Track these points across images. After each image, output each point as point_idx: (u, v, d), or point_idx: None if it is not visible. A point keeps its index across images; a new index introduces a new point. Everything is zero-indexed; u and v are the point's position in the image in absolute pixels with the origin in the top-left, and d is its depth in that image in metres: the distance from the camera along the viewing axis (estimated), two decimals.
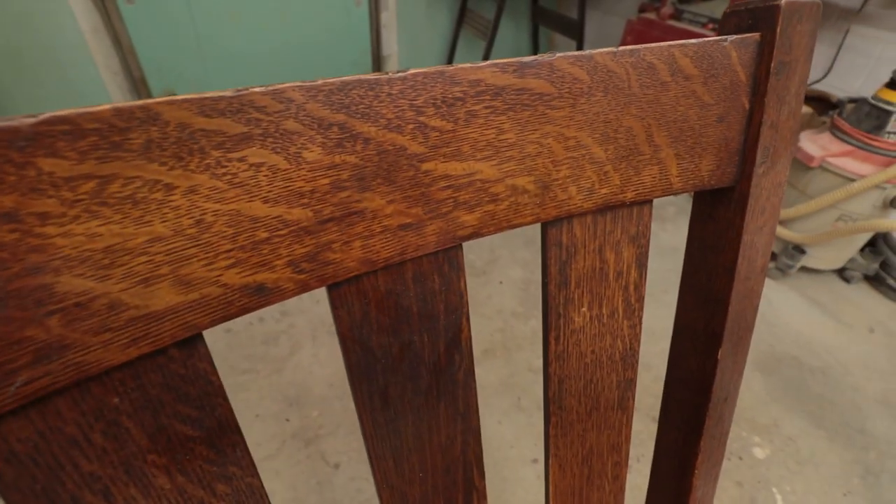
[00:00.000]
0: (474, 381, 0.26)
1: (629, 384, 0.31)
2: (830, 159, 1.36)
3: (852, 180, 1.31)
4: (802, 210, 1.40)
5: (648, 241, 0.27)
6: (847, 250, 1.49)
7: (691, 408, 0.34)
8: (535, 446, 1.02)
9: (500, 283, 1.46)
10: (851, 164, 1.33)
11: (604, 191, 0.24)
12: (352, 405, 0.99)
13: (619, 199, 0.24)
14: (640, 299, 0.29)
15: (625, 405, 0.32)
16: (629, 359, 0.31)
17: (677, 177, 0.25)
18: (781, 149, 0.26)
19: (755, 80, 0.25)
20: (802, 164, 1.43)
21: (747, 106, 0.25)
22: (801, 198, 1.46)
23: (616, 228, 0.26)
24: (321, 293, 1.19)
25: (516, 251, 1.59)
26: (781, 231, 1.50)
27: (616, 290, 0.28)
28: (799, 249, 1.48)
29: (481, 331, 1.28)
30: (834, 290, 1.54)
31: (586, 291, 0.27)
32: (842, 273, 1.58)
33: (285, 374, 1.15)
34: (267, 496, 0.21)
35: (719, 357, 0.31)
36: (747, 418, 1.12)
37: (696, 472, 0.36)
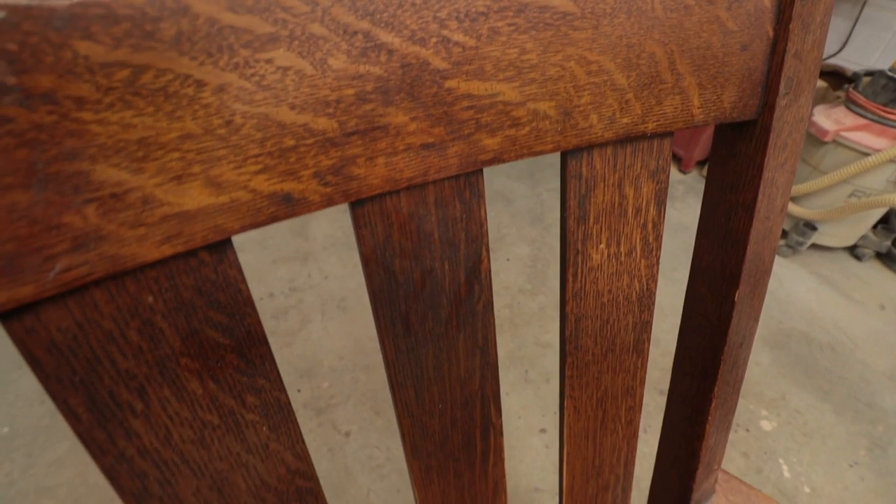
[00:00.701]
0: (493, 314, 0.26)
1: (645, 326, 0.32)
2: (845, 133, 1.34)
3: (867, 154, 1.29)
4: (815, 185, 1.38)
5: (668, 178, 0.27)
6: (859, 227, 1.48)
7: (706, 354, 0.34)
8: (542, 417, 1.03)
9: (508, 260, 1.46)
10: (866, 138, 1.31)
11: (625, 120, 0.24)
12: (362, 377, 1.02)
13: (640, 129, 0.24)
14: (658, 238, 0.29)
15: (640, 348, 0.32)
16: (645, 300, 0.31)
17: (699, 108, 0.25)
18: (805, 81, 0.26)
19: (780, 6, 0.24)
20: (815, 139, 1.41)
21: (771, 34, 0.25)
22: (814, 173, 1.44)
23: (636, 162, 0.26)
24: (330, 269, 1.20)
25: (523, 229, 1.59)
26: (793, 207, 1.48)
27: (634, 228, 0.28)
28: (810, 226, 1.47)
29: None
30: (845, 267, 1.53)
31: (605, 227, 0.27)
32: (853, 250, 1.57)
33: (295, 347, 1.16)
34: (293, 412, 0.21)
35: (736, 299, 0.31)
36: (755, 392, 1.12)
37: (710, 418, 0.36)
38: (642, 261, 0.29)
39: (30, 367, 0.15)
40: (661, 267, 1.54)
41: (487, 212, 0.27)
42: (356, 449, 0.96)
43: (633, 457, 0.38)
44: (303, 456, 0.22)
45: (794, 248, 1.52)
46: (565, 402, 0.32)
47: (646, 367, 0.34)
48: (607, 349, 0.31)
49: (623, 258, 0.28)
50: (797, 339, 1.26)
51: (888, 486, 0.95)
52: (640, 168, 0.26)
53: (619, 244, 0.28)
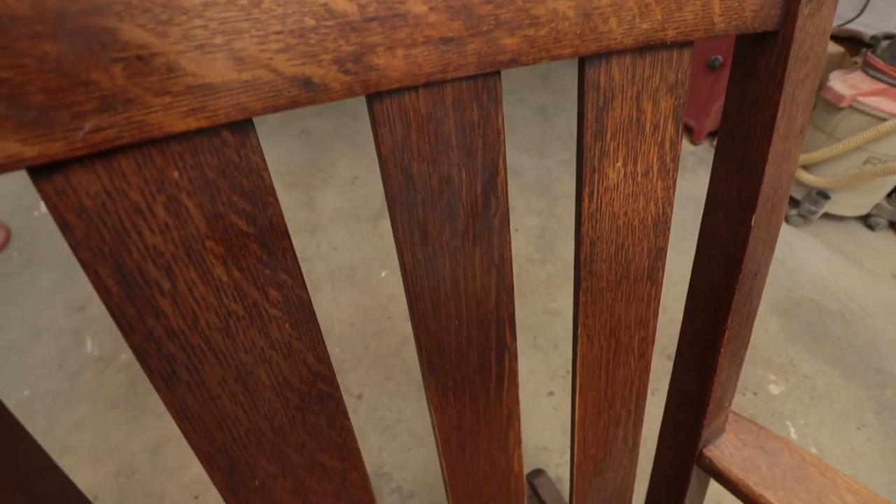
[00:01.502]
0: (509, 232, 0.26)
1: (659, 253, 0.32)
2: (861, 98, 1.31)
3: (883, 120, 1.26)
4: (829, 152, 1.36)
5: (686, 93, 0.27)
6: (873, 195, 1.45)
7: (721, 286, 0.34)
8: (550, 381, 1.04)
9: (516, 230, 1.46)
10: (884, 103, 1.28)
11: (644, 25, 0.23)
12: (372, 343, 1.03)
13: (660, 36, 0.24)
14: (675, 159, 0.28)
15: (654, 276, 0.32)
16: (661, 225, 0.31)
17: (720, 16, 0.25)
18: None
19: None
20: (831, 106, 1.38)
21: None
22: (829, 140, 1.41)
23: (655, 74, 0.25)
24: (339, 240, 1.21)
25: (531, 200, 1.58)
26: (806, 176, 1.46)
27: (652, 146, 0.27)
28: (823, 195, 1.45)
29: None
30: (857, 237, 1.51)
31: (622, 144, 0.27)
32: (866, 220, 1.55)
33: None
34: (314, 312, 0.21)
35: (753, 223, 0.30)
36: (763, 358, 1.13)
37: (723, 351, 0.36)
38: (659, 182, 0.29)
39: (61, 232, 0.15)
40: (670, 236, 1.53)
41: None
42: (368, 411, 0.98)
43: (645, 391, 0.38)
44: (323, 359, 0.23)
45: (805, 218, 1.50)
46: (579, 330, 0.33)
47: (659, 297, 0.34)
48: (621, 276, 0.31)
49: (640, 178, 0.28)
50: (807, 306, 1.26)
51: (895, 447, 0.96)
52: (659, 81, 0.26)
53: (636, 163, 0.27)
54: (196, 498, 0.85)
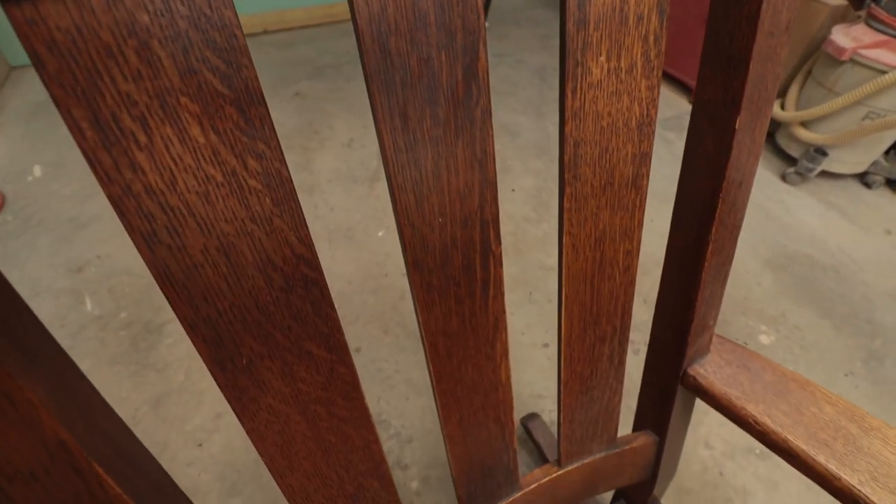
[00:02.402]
0: (491, 126, 0.26)
1: (644, 159, 0.32)
2: (863, 51, 1.28)
3: (884, 72, 1.25)
4: (829, 107, 1.34)
5: None
6: (871, 152, 1.45)
7: (705, 196, 0.35)
8: (545, 333, 1.06)
9: (513, 191, 1.46)
10: (885, 56, 1.26)
11: None
12: (370, 299, 1.04)
13: None
14: (660, 56, 0.28)
15: (639, 184, 0.33)
16: (645, 128, 0.31)
17: None
18: None
19: None
20: (832, 59, 1.36)
21: None
22: (829, 96, 1.39)
23: None
24: (336, 201, 1.20)
25: (529, 161, 1.57)
26: (804, 133, 1.45)
27: (636, 40, 0.27)
28: (821, 151, 1.44)
29: None
30: (854, 194, 1.51)
31: (605, 36, 0.26)
32: (863, 178, 1.54)
33: None
34: (296, 193, 0.22)
35: (737, 126, 0.30)
36: (755, 310, 1.14)
37: (706, 265, 0.37)
38: (643, 80, 0.29)
39: (34, 65, 0.15)
40: (665, 193, 1.52)
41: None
42: (366, 363, 1.00)
43: (630, 307, 0.39)
44: (306, 243, 0.23)
45: (803, 176, 1.49)
46: (564, 240, 0.33)
47: (644, 206, 0.34)
48: (606, 182, 0.31)
49: (623, 75, 0.28)
50: (801, 261, 1.27)
51: (881, 393, 0.98)
52: None
53: (619, 58, 0.27)
54: (200, 445, 0.87)
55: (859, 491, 0.34)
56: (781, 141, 1.59)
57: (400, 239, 0.27)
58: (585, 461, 0.49)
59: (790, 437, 0.37)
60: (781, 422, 0.38)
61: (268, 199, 0.21)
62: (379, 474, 0.34)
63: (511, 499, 0.46)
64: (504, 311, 0.34)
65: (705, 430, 0.92)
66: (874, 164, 1.49)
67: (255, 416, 0.26)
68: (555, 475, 0.48)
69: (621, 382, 0.44)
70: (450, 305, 0.31)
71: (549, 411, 0.92)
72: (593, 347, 0.40)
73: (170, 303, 0.20)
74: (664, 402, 0.47)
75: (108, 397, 0.93)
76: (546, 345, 1.03)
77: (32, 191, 1.41)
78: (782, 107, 1.55)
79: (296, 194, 0.22)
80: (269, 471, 0.28)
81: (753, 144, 0.33)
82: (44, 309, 1.09)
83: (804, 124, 1.47)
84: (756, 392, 0.41)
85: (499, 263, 0.31)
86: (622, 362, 0.43)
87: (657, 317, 0.44)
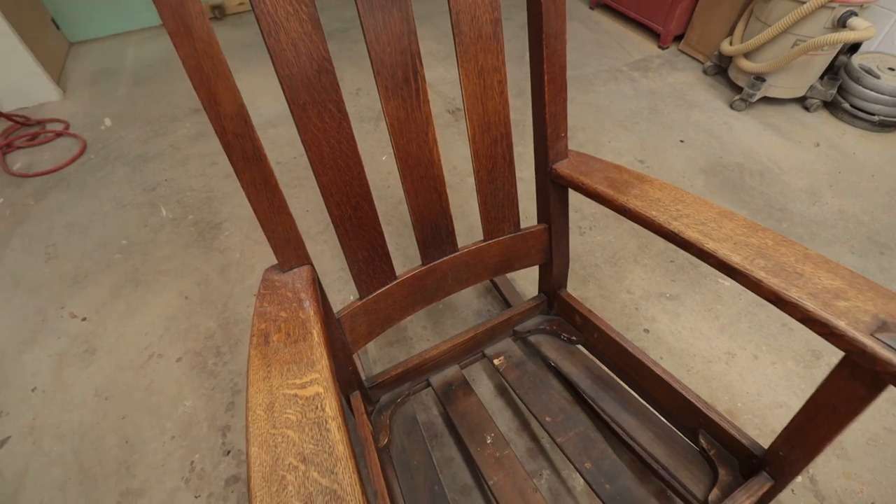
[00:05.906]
0: (410, 4, 0.55)
1: (497, 22, 0.60)
2: None
3: (804, 3, 1.47)
4: (761, 38, 1.57)
5: None
6: (806, 77, 1.67)
7: (539, 48, 0.63)
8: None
9: None
10: None
11: None
12: (376, 203, 1.35)
13: None
14: None
15: (497, 37, 0.61)
16: (495, 2, 0.59)
17: None
18: None
19: None
20: None
21: None
22: (764, 29, 1.62)
23: None
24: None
25: (510, 100, 1.84)
26: (745, 63, 1.68)
27: None
28: (760, 78, 1.67)
29: None
30: (793, 116, 1.74)
31: None
32: (803, 102, 1.77)
33: None
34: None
35: None
36: None
37: (547, 88, 0.65)
38: None
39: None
40: (626, 122, 1.77)
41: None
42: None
43: (508, 120, 0.68)
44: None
45: (746, 101, 1.73)
46: (460, 72, 0.62)
47: (503, 52, 0.62)
48: (477, 35, 0.60)
49: None
50: (731, 168, 1.52)
51: None
52: None
53: None
54: (254, 295, 1.20)
55: (666, 225, 0.62)
56: (731, 73, 1.82)
57: (369, 56, 0.56)
58: (501, 239, 0.78)
59: (621, 198, 0.66)
60: (611, 190, 0.67)
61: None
62: (367, 201, 0.65)
63: (452, 256, 0.76)
64: (430, 114, 0.63)
65: (628, 282, 1.21)
66: (811, 88, 1.72)
67: (306, 130, 0.56)
68: (482, 244, 0.78)
69: (514, 176, 0.74)
70: (400, 101, 0.60)
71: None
72: (490, 147, 0.69)
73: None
74: (543, 194, 0.76)
75: (186, 267, 1.27)
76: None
77: (106, 136, 1.75)
78: (731, 43, 1.77)
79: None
80: (313, 171, 0.58)
81: (557, 8, 0.61)
82: (130, 216, 1.43)
83: (747, 56, 1.70)
84: (594, 173, 0.70)
85: (423, 80, 0.61)
86: (511, 161, 0.72)
87: (534, 134, 0.73)
